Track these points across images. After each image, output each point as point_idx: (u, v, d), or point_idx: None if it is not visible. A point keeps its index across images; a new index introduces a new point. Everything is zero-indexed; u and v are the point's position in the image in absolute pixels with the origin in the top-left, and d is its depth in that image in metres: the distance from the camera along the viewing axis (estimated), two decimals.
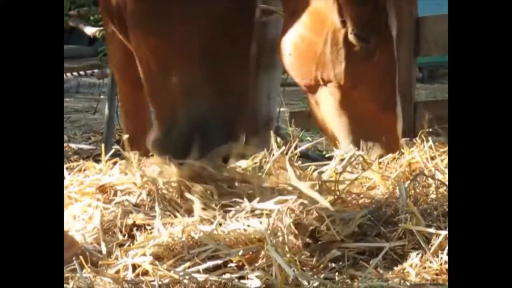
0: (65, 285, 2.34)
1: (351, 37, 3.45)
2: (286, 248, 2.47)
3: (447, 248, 2.51)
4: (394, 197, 2.86)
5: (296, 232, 2.57)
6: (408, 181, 2.95)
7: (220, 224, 2.60)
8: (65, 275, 2.42)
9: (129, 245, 2.63)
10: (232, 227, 2.58)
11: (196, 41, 2.98)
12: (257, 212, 2.68)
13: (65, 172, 3.08)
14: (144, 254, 2.51)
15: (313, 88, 3.58)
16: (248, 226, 2.56)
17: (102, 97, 7.38)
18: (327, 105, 3.55)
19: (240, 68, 3.07)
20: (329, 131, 3.57)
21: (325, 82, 3.54)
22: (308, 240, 2.60)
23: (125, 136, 3.24)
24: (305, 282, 2.32)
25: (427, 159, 3.15)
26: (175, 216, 2.72)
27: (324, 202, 2.66)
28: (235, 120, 3.02)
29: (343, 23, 3.43)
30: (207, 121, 2.96)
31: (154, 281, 2.35)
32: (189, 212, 2.76)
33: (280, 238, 2.51)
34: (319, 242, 2.62)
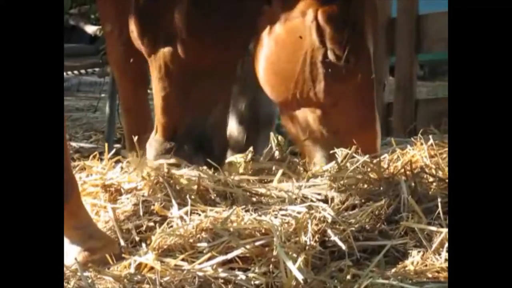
0: (66, 285, 2.34)
1: (331, 57, 3.50)
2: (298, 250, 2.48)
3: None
4: (396, 195, 2.86)
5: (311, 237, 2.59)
6: (410, 179, 2.95)
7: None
8: (67, 274, 2.42)
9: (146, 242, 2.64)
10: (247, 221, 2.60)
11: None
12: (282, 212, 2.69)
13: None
14: (156, 249, 2.51)
15: (289, 105, 3.61)
16: (260, 222, 2.58)
17: (103, 95, 7.38)
18: (304, 122, 3.58)
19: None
20: (305, 148, 3.59)
21: (304, 100, 3.57)
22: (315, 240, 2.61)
23: (135, 138, 3.25)
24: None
25: (427, 157, 3.15)
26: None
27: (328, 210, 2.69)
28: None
29: (322, 42, 3.47)
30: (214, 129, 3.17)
31: (161, 278, 2.36)
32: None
33: (293, 240, 2.52)
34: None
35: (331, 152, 3.22)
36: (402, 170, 3.02)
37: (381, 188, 2.93)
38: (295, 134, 3.61)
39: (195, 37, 3.23)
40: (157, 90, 3.35)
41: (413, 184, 2.93)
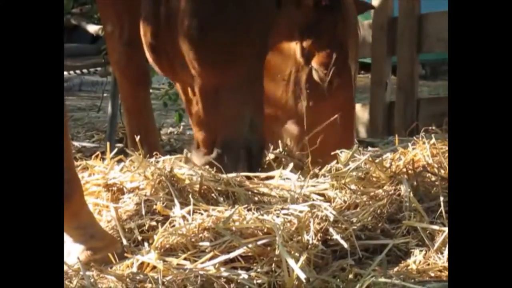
0: (69, 284, 2.34)
1: (315, 77, 3.66)
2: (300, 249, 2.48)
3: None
4: (398, 194, 2.86)
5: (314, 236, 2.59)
6: (412, 178, 2.95)
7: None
8: (70, 273, 2.42)
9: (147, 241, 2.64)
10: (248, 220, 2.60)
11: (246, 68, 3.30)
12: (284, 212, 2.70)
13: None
14: (158, 248, 2.52)
15: (273, 121, 3.73)
16: (262, 221, 2.58)
17: (105, 95, 7.38)
18: (286, 137, 3.72)
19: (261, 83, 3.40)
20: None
21: (285, 118, 3.70)
22: (317, 239, 2.61)
23: (137, 138, 3.26)
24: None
25: (429, 156, 3.15)
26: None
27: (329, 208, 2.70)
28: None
29: (307, 62, 3.54)
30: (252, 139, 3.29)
31: (163, 277, 2.36)
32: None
33: (295, 239, 2.52)
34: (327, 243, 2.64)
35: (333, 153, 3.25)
36: (404, 169, 3.02)
37: (383, 187, 2.93)
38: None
39: (205, 63, 3.28)
40: (188, 109, 3.44)
41: (415, 183, 2.93)
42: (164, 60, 3.44)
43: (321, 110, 3.68)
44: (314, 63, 3.66)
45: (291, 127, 3.74)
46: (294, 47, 3.67)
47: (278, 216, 2.67)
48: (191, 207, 2.71)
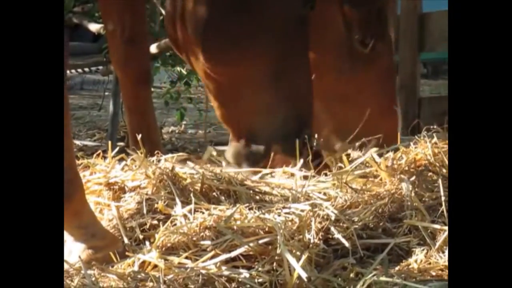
0: (70, 283, 2.34)
1: (357, 45, 3.58)
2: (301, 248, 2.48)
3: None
4: (399, 193, 2.86)
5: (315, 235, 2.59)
6: (413, 177, 2.94)
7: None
8: (71, 272, 2.42)
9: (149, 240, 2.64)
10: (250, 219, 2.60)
11: (265, 64, 3.29)
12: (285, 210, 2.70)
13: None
14: (159, 247, 2.52)
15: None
16: (264, 220, 2.58)
17: (107, 93, 7.39)
18: (327, 112, 3.66)
19: (303, 75, 3.38)
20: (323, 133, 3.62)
21: (328, 89, 3.64)
22: (318, 238, 2.61)
23: (139, 136, 3.27)
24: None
25: (430, 155, 3.15)
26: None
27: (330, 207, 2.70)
28: (304, 125, 3.35)
29: (349, 31, 3.50)
30: (281, 133, 3.30)
31: (164, 276, 2.36)
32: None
33: (296, 238, 2.52)
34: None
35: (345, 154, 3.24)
36: (406, 168, 3.02)
37: (385, 186, 2.93)
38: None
39: (218, 60, 3.31)
40: (214, 104, 3.50)
41: (416, 182, 2.93)
42: (182, 50, 3.51)
43: (365, 79, 3.61)
44: (356, 30, 3.57)
45: (333, 99, 3.69)
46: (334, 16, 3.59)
47: (279, 215, 2.67)
48: (192, 206, 2.71)
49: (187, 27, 3.35)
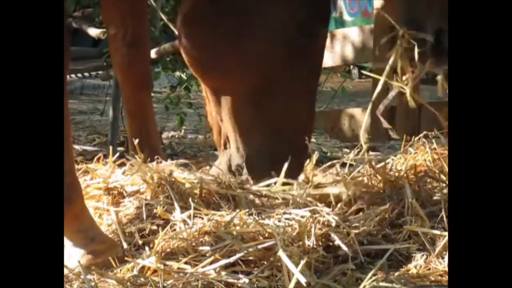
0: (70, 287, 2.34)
1: None
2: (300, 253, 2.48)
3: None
4: (400, 199, 2.86)
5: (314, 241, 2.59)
6: (413, 183, 2.95)
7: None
8: (70, 277, 2.42)
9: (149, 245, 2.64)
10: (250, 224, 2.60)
11: (249, 83, 3.24)
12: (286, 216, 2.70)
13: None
14: (158, 252, 2.51)
15: None
16: (263, 225, 2.58)
17: (107, 98, 7.38)
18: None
19: (300, 98, 3.30)
20: None
21: None
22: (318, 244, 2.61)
23: (136, 141, 3.26)
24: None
25: (430, 161, 3.15)
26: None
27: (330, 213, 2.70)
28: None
29: None
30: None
31: (164, 281, 2.35)
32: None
33: (296, 244, 2.52)
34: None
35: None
36: (406, 174, 3.02)
37: (385, 192, 2.93)
38: None
39: (221, 72, 3.31)
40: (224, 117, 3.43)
41: (417, 188, 2.93)
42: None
43: None
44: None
45: None
46: None
47: (279, 221, 2.66)
48: (191, 211, 2.71)
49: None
